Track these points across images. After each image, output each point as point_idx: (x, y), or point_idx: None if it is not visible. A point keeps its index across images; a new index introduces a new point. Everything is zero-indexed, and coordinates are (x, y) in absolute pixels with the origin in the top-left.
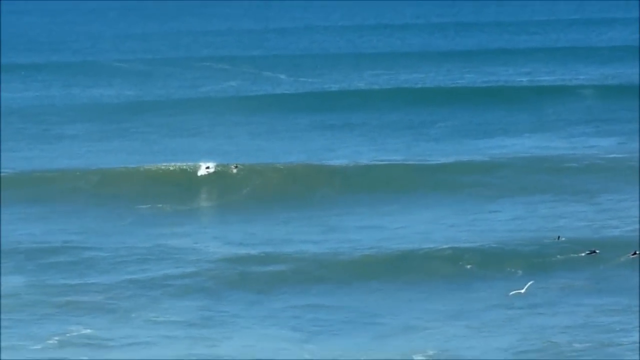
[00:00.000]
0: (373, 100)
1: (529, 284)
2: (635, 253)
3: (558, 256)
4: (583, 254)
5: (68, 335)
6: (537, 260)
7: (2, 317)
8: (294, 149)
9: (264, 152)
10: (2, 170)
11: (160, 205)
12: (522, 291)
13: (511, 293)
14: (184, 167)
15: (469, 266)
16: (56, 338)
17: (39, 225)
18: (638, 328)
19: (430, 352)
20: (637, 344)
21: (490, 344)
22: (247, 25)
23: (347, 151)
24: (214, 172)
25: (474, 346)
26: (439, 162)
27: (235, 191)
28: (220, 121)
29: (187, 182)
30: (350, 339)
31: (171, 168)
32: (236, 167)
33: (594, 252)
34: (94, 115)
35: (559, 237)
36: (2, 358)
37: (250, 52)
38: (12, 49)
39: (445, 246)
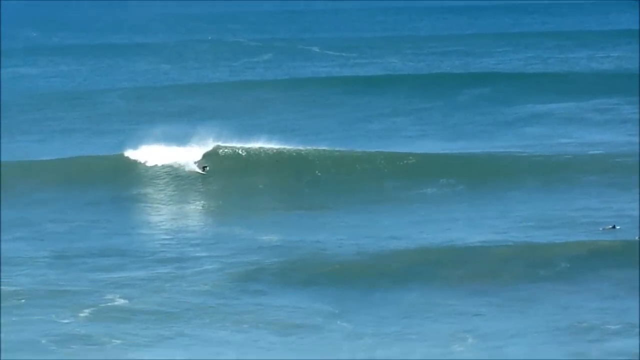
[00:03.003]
0: (407, 85)
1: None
2: (613, 227)
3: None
4: (601, 229)
5: (102, 305)
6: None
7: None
8: (332, 131)
9: (299, 135)
10: (8, 157)
11: (184, 189)
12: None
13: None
14: (212, 150)
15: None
16: (87, 310)
17: (48, 211)
18: None
19: (467, 337)
20: None
21: (519, 324)
22: (281, 5)
23: (384, 136)
24: (243, 156)
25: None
26: (473, 151)
27: (268, 176)
28: (255, 101)
29: (211, 167)
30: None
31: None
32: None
33: (614, 227)
34: (124, 97)
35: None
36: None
37: (285, 33)
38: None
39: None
